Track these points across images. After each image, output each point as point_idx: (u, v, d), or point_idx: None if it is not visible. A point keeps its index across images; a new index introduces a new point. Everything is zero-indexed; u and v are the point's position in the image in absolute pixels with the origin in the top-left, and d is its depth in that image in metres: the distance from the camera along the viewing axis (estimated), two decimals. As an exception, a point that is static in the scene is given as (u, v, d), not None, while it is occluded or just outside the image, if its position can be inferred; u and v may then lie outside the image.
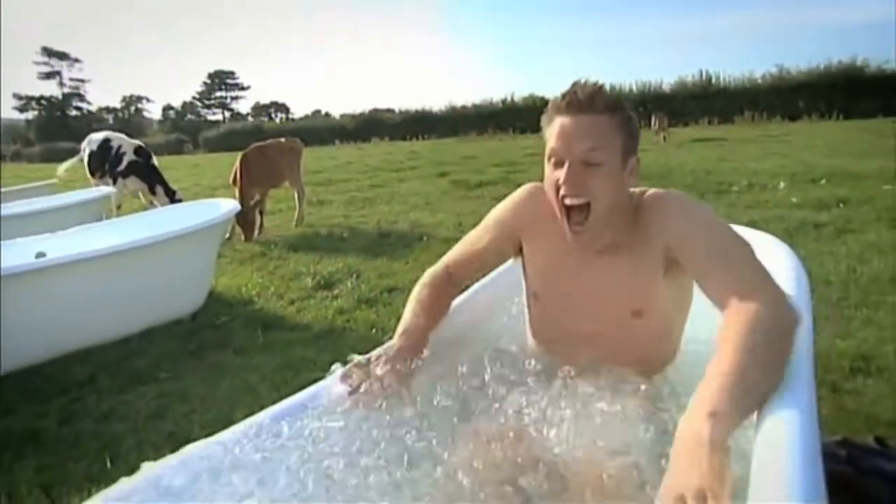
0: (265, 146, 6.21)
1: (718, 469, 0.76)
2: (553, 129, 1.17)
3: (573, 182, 1.13)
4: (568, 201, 1.16)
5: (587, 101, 1.13)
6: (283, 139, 6.66)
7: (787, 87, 21.00)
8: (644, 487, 0.95)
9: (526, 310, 1.41)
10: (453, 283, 1.41)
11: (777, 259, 1.56)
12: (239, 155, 5.98)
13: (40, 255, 3.39)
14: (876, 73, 20.17)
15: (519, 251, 1.37)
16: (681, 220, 1.15)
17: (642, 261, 1.18)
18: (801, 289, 1.35)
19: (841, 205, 5.31)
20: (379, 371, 1.19)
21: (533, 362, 1.29)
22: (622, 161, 1.15)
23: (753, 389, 0.89)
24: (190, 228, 3.38)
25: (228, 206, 3.71)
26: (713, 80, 23.09)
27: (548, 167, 1.20)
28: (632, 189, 1.25)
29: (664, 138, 14.03)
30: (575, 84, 1.17)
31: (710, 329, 1.34)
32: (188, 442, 1.09)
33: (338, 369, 1.25)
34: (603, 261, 1.23)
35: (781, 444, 0.82)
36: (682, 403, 1.09)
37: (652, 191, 1.24)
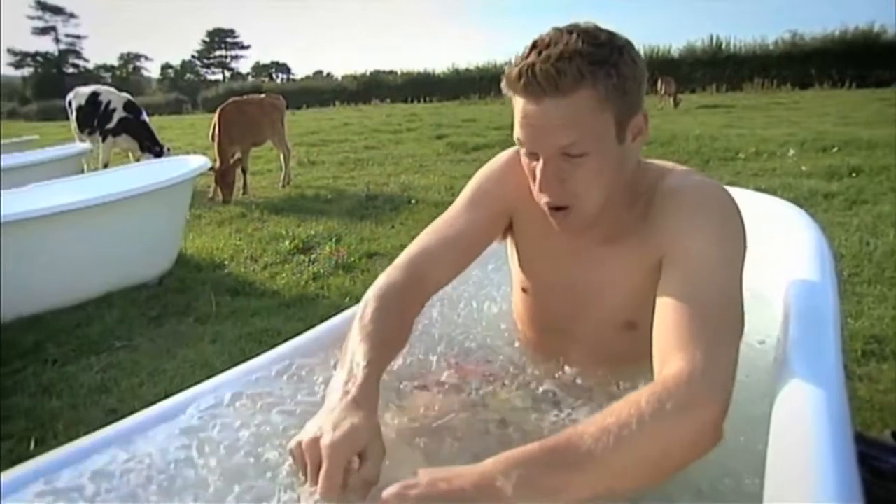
0: (243, 101, 5.92)
1: None
2: (515, 108, 0.85)
3: (552, 186, 0.86)
4: (550, 203, 0.89)
5: (549, 83, 0.79)
6: (263, 95, 6.35)
7: (799, 54, 20.35)
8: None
9: (513, 298, 1.16)
10: (422, 289, 0.95)
11: (795, 230, 1.32)
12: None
13: (-7, 212, 3.16)
14: (893, 39, 19.48)
15: (506, 232, 1.07)
16: (686, 221, 0.86)
17: (638, 262, 0.91)
18: (824, 266, 1.12)
19: (853, 174, 5.04)
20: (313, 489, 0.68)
21: (518, 357, 1.08)
22: (618, 132, 0.86)
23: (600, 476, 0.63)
24: (153, 186, 3.14)
25: (197, 162, 3.46)
26: (723, 46, 22.45)
27: (521, 150, 0.90)
28: (656, 163, 0.97)
29: (675, 104, 13.56)
30: (532, 49, 0.82)
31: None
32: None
33: None
34: (602, 252, 0.96)
35: (808, 437, 0.66)
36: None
37: (679, 173, 0.94)
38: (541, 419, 0.92)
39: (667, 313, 0.78)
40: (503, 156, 1.06)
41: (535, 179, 0.88)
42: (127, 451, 0.81)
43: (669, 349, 0.74)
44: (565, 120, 0.81)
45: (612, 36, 0.85)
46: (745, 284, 1.31)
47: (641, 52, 0.91)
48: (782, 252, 1.27)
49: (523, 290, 1.08)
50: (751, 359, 1.04)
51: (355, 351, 0.82)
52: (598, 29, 0.85)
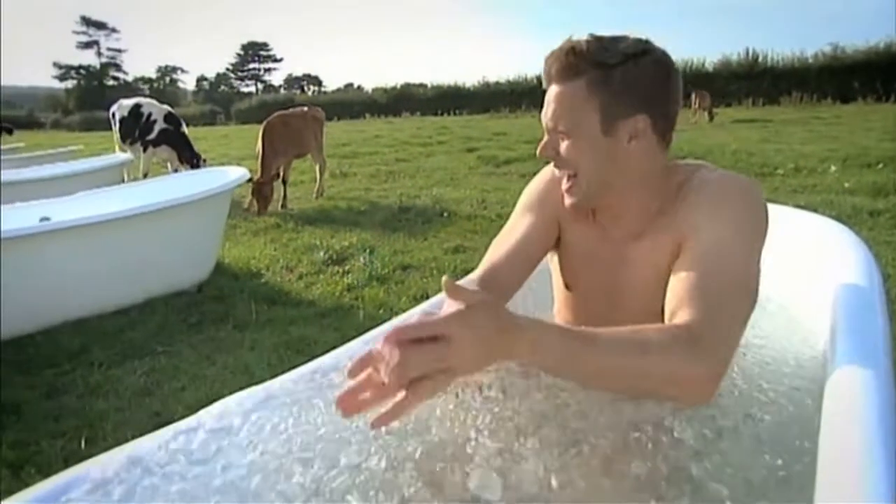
0: (288, 115, 6.02)
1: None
2: None
3: (547, 152, 1.02)
4: (553, 164, 1.04)
5: (552, 71, 0.99)
6: (305, 108, 6.47)
7: (840, 67, 19.87)
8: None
9: (554, 298, 1.24)
10: (499, 295, 1.05)
11: (840, 247, 1.30)
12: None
13: (44, 219, 3.30)
14: (942, 52, 18.89)
15: (557, 238, 1.16)
16: (705, 208, 0.95)
17: (666, 252, 0.98)
18: (872, 285, 1.10)
19: (899, 191, 4.90)
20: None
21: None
22: (603, 126, 0.97)
23: (599, 370, 0.77)
24: (194, 196, 3.23)
25: (236, 174, 3.56)
26: (759, 59, 22.09)
27: None
28: (689, 163, 1.05)
29: (710, 118, 13.37)
30: (555, 49, 1.01)
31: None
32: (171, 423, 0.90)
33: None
34: (634, 251, 1.06)
35: (859, 442, 0.67)
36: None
37: (707, 169, 1.02)
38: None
39: (678, 281, 0.89)
40: (550, 167, 1.16)
41: None
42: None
43: (678, 306, 0.85)
44: (557, 103, 0.98)
45: (634, 44, 0.96)
46: (790, 301, 1.29)
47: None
48: (828, 270, 1.25)
49: (566, 289, 1.18)
50: (799, 375, 1.02)
51: None
52: (625, 38, 0.97)
